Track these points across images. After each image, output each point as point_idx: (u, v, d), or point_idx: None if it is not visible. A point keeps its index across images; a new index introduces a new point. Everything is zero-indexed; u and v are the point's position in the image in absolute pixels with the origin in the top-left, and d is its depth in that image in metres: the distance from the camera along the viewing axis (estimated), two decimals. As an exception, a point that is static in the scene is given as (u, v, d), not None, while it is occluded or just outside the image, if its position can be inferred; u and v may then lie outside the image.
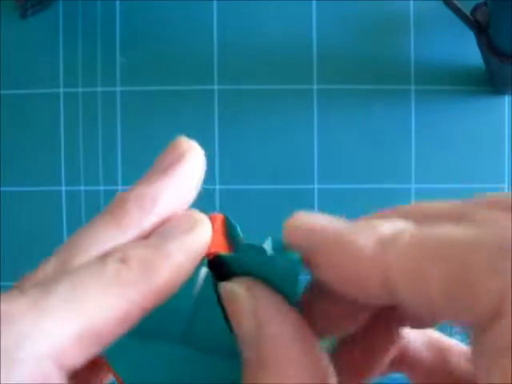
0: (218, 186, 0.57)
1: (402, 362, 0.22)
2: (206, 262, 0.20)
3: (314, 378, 0.17)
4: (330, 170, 0.57)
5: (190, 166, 0.22)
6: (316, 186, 0.57)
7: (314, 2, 0.58)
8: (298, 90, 0.58)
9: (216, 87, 0.58)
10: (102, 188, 0.58)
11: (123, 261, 0.18)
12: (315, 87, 0.57)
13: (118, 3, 0.58)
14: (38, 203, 0.58)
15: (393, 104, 0.58)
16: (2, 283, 0.54)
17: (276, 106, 0.58)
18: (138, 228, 0.20)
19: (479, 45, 0.52)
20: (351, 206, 0.56)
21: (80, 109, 0.58)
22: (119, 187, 0.57)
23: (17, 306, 0.16)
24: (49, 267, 0.19)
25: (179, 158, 0.23)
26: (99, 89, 0.58)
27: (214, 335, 0.20)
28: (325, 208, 0.56)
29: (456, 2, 0.51)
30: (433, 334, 0.22)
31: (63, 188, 0.58)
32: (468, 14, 0.51)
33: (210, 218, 0.20)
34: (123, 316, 0.17)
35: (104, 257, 0.18)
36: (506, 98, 0.57)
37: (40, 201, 0.58)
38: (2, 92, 0.58)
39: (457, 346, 0.22)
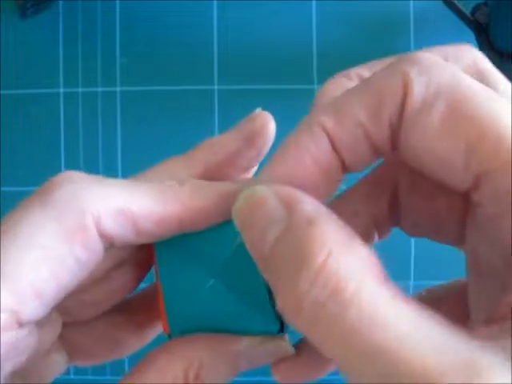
0: (218, 186, 0.57)
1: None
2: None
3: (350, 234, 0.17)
4: (330, 170, 0.57)
5: (257, 125, 0.25)
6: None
7: (313, 2, 0.58)
8: (298, 90, 0.58)
9: (216, 87, 0.58)
10: (102, 188, 0.58)
11: (181, 183, 0.22)
12: (315, 87, 0.57)
13: (117, 3, 0.58)
14: (38, 203, 0.58)
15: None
16: (2, 283, 0.54)
17: (276, 106, 0.58)
18: (202, 164, 0.24)
19: (479, 45, 0.52)
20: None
21: (80, 109, 0.58)
22: (119, 187, 0.58)
23: (88, 179, 0.21)
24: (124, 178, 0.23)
25: (248, 120, 0.25)
26: (99, 89, 0.58)
27: (246, 280, 0.21)
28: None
29: (456, 2, 0.51)
30: None
31: (63, 188, 0.58)
32: (468, 13, 0.51)
33: None
34: (160, 216, 0.21)
35: (169, 178, 0.22)
36: (506, 98, 0.57)
37: (40, 201, 0.58)
38: (2, 92, 0.58)
39: None
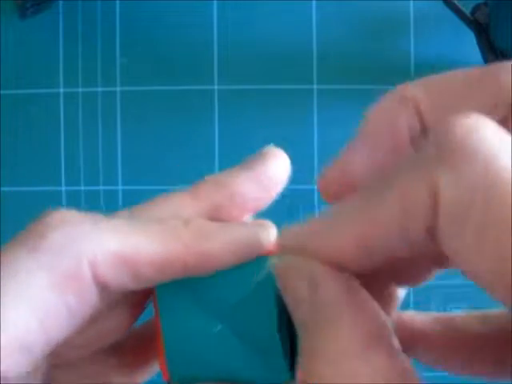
0: (218, 186, 0.57)
1: (411, 342, 0.22)
2: (273, 259, 0.20)
3: (370, 334, 0.17)
4: (330, 170, 0.57)
5: (270, 166, 0.23)
6: (316, 186, 0.57)
7: (313, 2, 0.58)
8: (298, 90, 0.58)
9: (216, 87, 0.58)
10: (101, 188, 0.58)
11: (185, 222, 0.20)
12: (315, 87, 0.57)
13: (117, 3, 0.58)
14: (38, 203, 0.58)
15: (393, 104, 0.58)
16: (2, 283, 0.54)
17: (276, 106, 0.58)
18: (208, 203, 0.22)
19: (479, 45, 0.52)
20: (351, 206, 0.56)
21: (80, 109, 0.58)
22: (119, 187, 0.57)
23: (83, 221, 0.20)
24: (123, 214, 0.22)
25: (261, 158, 0.24)
26: (99, 89, 0.58)
27: (258, 327, 0.20)
28: (325, 208, 0.56)
29: (456, 2, 0.51)
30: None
31: (63, 188, 0.58)
32: (468, 13, 0.51)
33: None
34: (162, 261, 0.19)
35: (172, 217, 0.21)
36: (506, 98, 0.57)
37: (40, 201, 0.58)
38: (2, 92, 0.58)
39: (458, 314, 0.22)
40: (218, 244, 0.20)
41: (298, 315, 0.18)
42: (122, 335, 0.22)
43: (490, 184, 0.15)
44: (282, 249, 0.19)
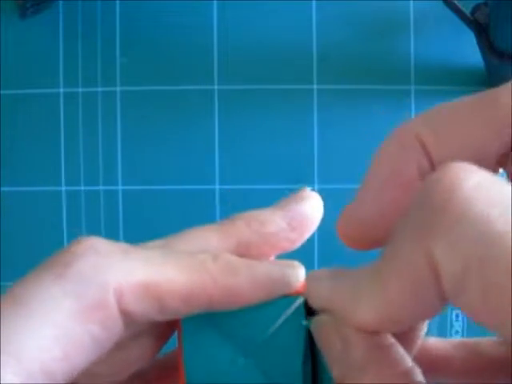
0: (217, 186, 0.57)
1: (433, 369, 0.22)
2: (303, 299, 0.21)
3: (399, 379, 0.17)
4: (330, 170, 0.57)
5: (303, 207, 0.23)
6: (316, 186, 0.57)
7: (313, 2, 0.58)
8: (298, 90, 0.58)
9: (216, 87, 0.58)
10: (101, 188, 0.58)
11: (214, 257, 0.20)
12: (315, 87, 0.57)
13: (117, 3, 0.58)
14: (38, 203, 0.58)
15: (393, 104, 0.58)
16: (2, 283, 0.54)
17: (276, 106, 0.58)
18: (238, 239, 0.22)
19: (479, 45, 0.52)
20: (351, 206, 0.56)
21: (80, 109, 0.58)
22: (119, 187, 0.57)
23: (112, 250, 0.20)
24: (152, 244, 0.22)
25: (294, 198, 0.24)
26: (99, 89, 0.58)
27: (283, 363, 0.21)
28: (325, 208, 0.56)
29: (456, 2, 0.51)
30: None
31: (63, 188, 0.58)
32: (468, 13, 0.51)
33: None
34: (188, 294, 0.19)
35: (201, 251, 0.21)
36: (506, 98, 0.57)
37: (40, 201, 0.58)
38: (2, 92, 0.58)
39: (483, 338, 0.22)
40: (245, 280, 0.20)
41: (333, 370, 0.18)
42: (145, 364, 0.22)
43: (482, 249, 0.15)
44: (308, 296, 0.20)
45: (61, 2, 0.58)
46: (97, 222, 0.57)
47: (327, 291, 0.19)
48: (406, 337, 0.21)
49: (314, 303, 0.20)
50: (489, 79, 0.56)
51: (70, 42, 0.58)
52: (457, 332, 0.56)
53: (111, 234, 0.57)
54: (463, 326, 0.56)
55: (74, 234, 0.60)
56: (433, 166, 0.18)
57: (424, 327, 0.22)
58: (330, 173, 0.57)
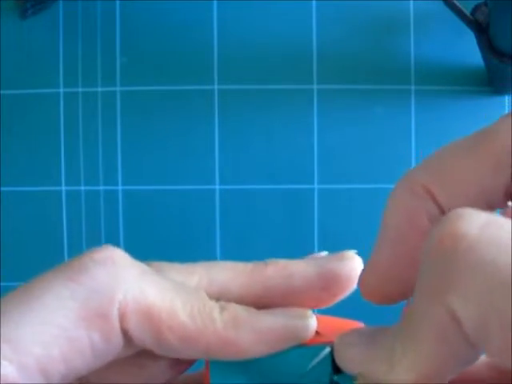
0: (218, 186, 0.57)
1: None
2: (331, 345, 0.20)
3: None
4: (330, 170, 0.57)
5: (342, 268, 0.22)
6: (316, 186, 0.57)
7: (313, 2, 0.58)
8: (298, 90, 0.58)
9: (216, 87, 0.58)
10: (101, 188, 0.58)
11: (222, 308, 0.20)
12: (315, 87, 0.57)
13: (117, 3, 0.58)
14: (38, 203, 0.58)
15: (393, 104, 0.58)
16: (2, 283, 0.54)
17: (276, 106, 0.58)
18: (261, 286, 0.21)
19: (479, 45, 0.52)
20: (351, 206, 0.56)
21: (80, 109, 0.58)
22: (119, 187, 0.57)
23: (131, 266, 0.20)
24: (177, 269, 0.22)
25: (336, 257, 0.22)
26: (99, 89, 0.58)
27: None
28: (325, 208, 0.56)
29: (456, 2, 0.51)
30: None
31: (63, 188, 0.58)
32: (468, 13, 0.51)
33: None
34: (187, 336, 0.19)
35: (216, 299, 0.21)
36: (506, 98, 0.57)
37: (40, 201, 0.58)
38: (2, 92, 0.58)
39: None
40: (246, 334, 0.20)
41: None
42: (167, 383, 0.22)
43: (494, 299, 0.15)
44: (339, 361, 0.20)
45: (61, 2, 0.58)
46: (97, 222, 0.57)
47: (359, 357, 0.19)
48: None
49: (347, 368, 0.20)
50: (489, 79, 0.56)
51: (70, 42, 0.58)
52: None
53: (111, 234, 0.57)
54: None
55: (74, 234, 0.60)
56: (443, 214, 0.18)
57: None
58: (329, 173, 0.57)
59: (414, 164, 0.57)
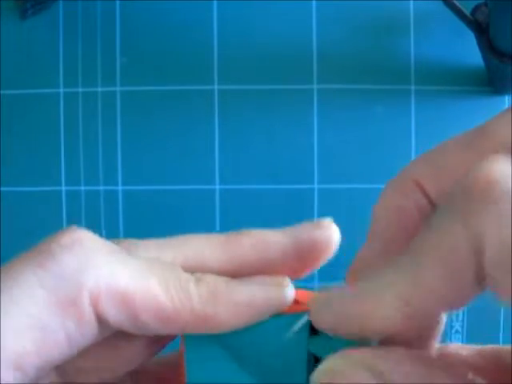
0: (218, 186, 0.57)
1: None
2: (309, 313, 0.20)
3: None
4: (330, 170, 0.57)
5: (317, 237, 0.22)
6: (316, 186, 0.57)
7: (313, 2, 0.58)
8: (298, 90, 0.58)
9: (216, 87, 0.58)
10: (101, 188, 0.58)
11: (198, 280, 0.20)
12: (315, 87, 0.57)
13: (117, 3, 0.58)
14: (38, 203, 0.58)
15: (393, 104, 0.58)
16: (2, 283, 0.54)
17: (276, 106, 0.58)
18: (237, 259, 0.21)
19: (479, 45, 0.52)
20: (351, 206, 0.56)
21: (80, 109, 0.58)
22: (119, 187, 0.57)
23: (100, 248, 0.19)
24: (146, 244, 0.21)
25: (311, 226, 0.22)
26: (99, 89, 0.58)
27: (287, 380, 0.20)
28: (325, 208, 0.56)
29: (456, 2, 0.51)
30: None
31: (63, 188, 0.58)
32: (468, 13, 0.51)
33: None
34: (163, 315, 0.19)
35: (190, 271, 0.20)
36: (506, 98, 0.57)
37: (40, 201, 0.58)
38: (2, 92, 0.58)
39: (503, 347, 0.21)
40: (223, 309, 0.19)
41: None
42: (138, 365, 0.22)
43: None
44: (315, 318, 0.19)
45: (61, 2, 0.58)
46: (97, 222, 0.57)
47: (338, 307, 0.18)
48: (421, 341, 0.21)
49: (324, 323, 0.19)
50: (489, 79, 0.56)
51: (70, 42, 0.58)
52: (457, 332, 0.57)
53: (111, 234, 0.57)
54: (463, 326, 0.57)
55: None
56: (432, 205, 0.18)
57: (443, 320, 0.21)
58: (330, 173, 0.57)
59: (413, 164, 0.57)
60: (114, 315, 0.19)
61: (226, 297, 0.20)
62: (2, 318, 0.17)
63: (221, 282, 0.20)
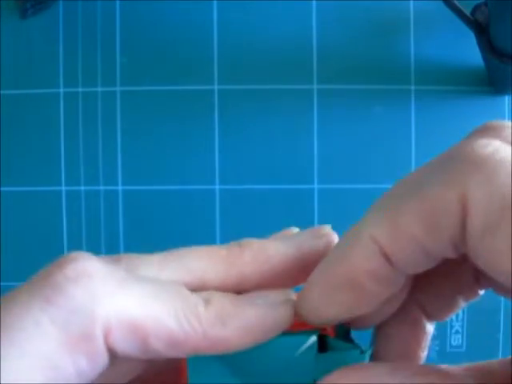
0: (218, 186, 0.57)
1: None
2: (317, 333, 0.20)
3: None
4: (330, 170, 0.57)
5: (319, 247, 0.22)
6: (316, 186, 0.57)
7: (313, 2, 0.57)
8: (298, 90, 0.58)
9: (216, 87, 0.58)
10: (101, 188, 0.58)
11: (206, 301, 0.20)
12: (315, 87, 0.57)
13: (117, 3, 0.58)
14: (38, 203, 0.58)
15: (393, 104, 0.58)
16: (2, 283, 0.54)
17: (276, 106, 0.58)
18: (239, 272, 0.21)
19: (479, 45, 0.52)
20: (351, 206, 0.56)
21: (80, 109, 0.58)
22: (119, 187, 0.57)
23: (107, 277, 0.19)
24: (153, 258, 0.21)
25: (312, 235, 0.22)
26: (99, 89, 0.58)
27: None
28: (325, 208, 0.56)
29: (456, 2, 0.51)
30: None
31: (63, 188, 0.58)
32: (468, 13, 0.51)
33: None
34: (174, 341, 0.19)
35: (196, 291, 0.20)
36: (506, 98, 0.57)
37: (40, 201, 0.58)
38: (2, 92, 0.58)
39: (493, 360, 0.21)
40: (234, 332, 0.19)
41: None
42: (135, 376, 0.22)
43: None
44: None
45: (61, 2, 0.58)
46: (97, 222, 0.57)
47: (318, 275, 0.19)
48: (412, 337, 0.21)
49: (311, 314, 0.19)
50: (489, 79, 0.56)
51: (70, 42, 0.58)
52: (457, 332, 0.56)
53: (111, 234, 0.57)
54: (463, 326, 0.56)
55: (74, 234, 0.60)
56: (389, 261, 0.18)
57: (430, 331, 0.21)
58: (330, 173, 0.57)
59: (413, 164, 0.57)
60: (124, 346, 0.19)
61: (235, 319, 0.19)
62: (12, 358, 0.17)
63: (228, 303, 0.20)
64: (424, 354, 0.22)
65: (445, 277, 0.21)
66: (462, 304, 0.22)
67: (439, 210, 0.16)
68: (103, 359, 0.18)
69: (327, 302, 0.19)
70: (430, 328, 0.22)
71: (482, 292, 0.22)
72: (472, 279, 0.21)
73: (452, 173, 0.16)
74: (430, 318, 0.22)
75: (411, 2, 0.57)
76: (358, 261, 0.18)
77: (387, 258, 0.18)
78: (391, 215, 0.17)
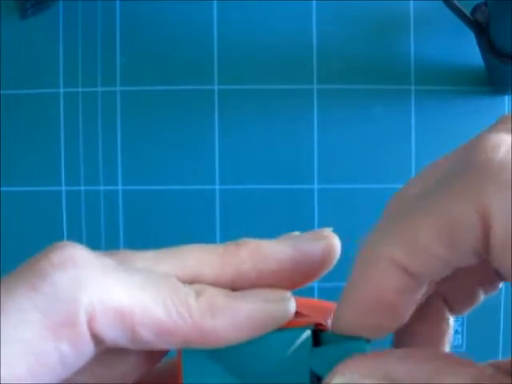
0: (218, 186, 0.57)
1: None
2: (312, 327, 0.20)
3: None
4: (330, 170, 0.57)
5: (317, 250, 0.21)
6: (316, 186, 0.57)
7: (314, 2, 0.58)
8: (298, 90, 0.58)
9: (216, 87, 0.58)
10: (101, 188, 0.58)
11: (198, 293, 0.19)
12: (315, 87, 0.57)
13: (117, 3, 0.58)
14: (38, 203, 0.58)
15: (393, 104, 0.58)
16: (2, 283, 0.54)
17: (276, 106, 0.58)
18: (235, 270, 0.20)
19: (479, 45, 0.52)
20: (351, 206, 0.56)
21: (80, 109, 0.58)
22: (119, 187, 0.57)
23: (93, 264, 0.18)
24: (145, 255, 0.21)
25: (311, 237, 0.21)
26: (99, 89, 0.58)
27: None
28: (325, 208, 0.56)
29: (456, 2, 0.51)
30: None
31: (63, 188, 0.58)
32: (468, 13, 0.51)
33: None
34: (163, 330, 0.18)
35: (188, 282, 0.20)
36: (506, 98, 0.57)
37: (40, 201, 0.58)
38: (2, 92, 0.58)
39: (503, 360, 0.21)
40: (224, 324, 0.19)
41: None
42: (135, 379, 0.21)
43: None
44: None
45: (61, 2, 0.58)
46: (97, 222, 0.57)
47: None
48: (432, 335, 0.21)
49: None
50: (489, 79, 0.56)
51: (70, 42, 0.58)
52: (457, 332, 0.57)
53: (111, 234, 0.57)
54: (463, 326, 0.57)
55: (74, 234, 0.60)
56: (412, 275, 0.18)
57: (452, 324, 0.21)
58: (330, 173, 0.57)
59: (413, 164, 0.57)
60: (110, 333, 0.18)
61: (225, 311, 0.19)
62: None
63: (220, 296, 0.20)
64: (447, 348, 0.22)
65: (468, 269, 0.21)
66: (482, 297, 0.22)
67: (460, 225, 0.16)
68: (88, 346, 0.18)
69: (364, 326, 0.19)
70: (452, 322, 0.22)
71: (501, 284, 0.22)
72: (493, 271, 0.21)
73: (467, 185, 0.16)
74: (453, 311, 0.22)
75: (411, 2, 0.57)
76: (382, 283, 0.18)
77: (409, 273, 0.18)
78: (408, 233, 0.17)
